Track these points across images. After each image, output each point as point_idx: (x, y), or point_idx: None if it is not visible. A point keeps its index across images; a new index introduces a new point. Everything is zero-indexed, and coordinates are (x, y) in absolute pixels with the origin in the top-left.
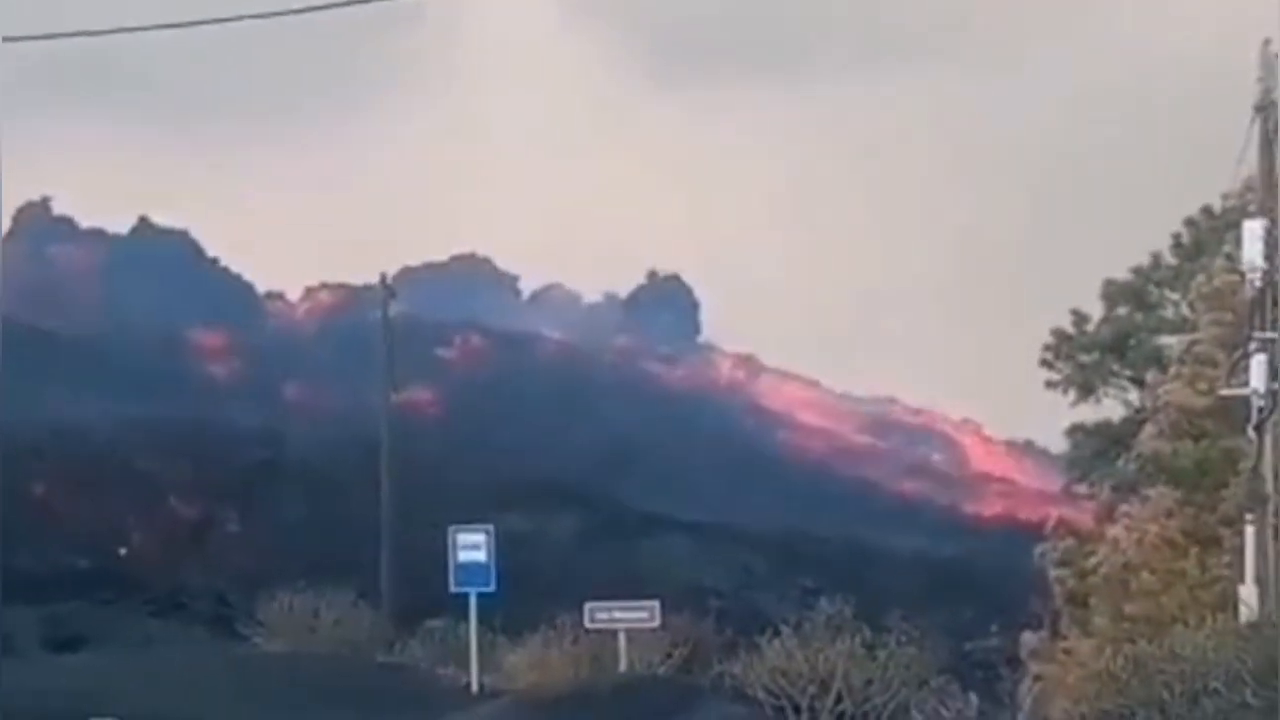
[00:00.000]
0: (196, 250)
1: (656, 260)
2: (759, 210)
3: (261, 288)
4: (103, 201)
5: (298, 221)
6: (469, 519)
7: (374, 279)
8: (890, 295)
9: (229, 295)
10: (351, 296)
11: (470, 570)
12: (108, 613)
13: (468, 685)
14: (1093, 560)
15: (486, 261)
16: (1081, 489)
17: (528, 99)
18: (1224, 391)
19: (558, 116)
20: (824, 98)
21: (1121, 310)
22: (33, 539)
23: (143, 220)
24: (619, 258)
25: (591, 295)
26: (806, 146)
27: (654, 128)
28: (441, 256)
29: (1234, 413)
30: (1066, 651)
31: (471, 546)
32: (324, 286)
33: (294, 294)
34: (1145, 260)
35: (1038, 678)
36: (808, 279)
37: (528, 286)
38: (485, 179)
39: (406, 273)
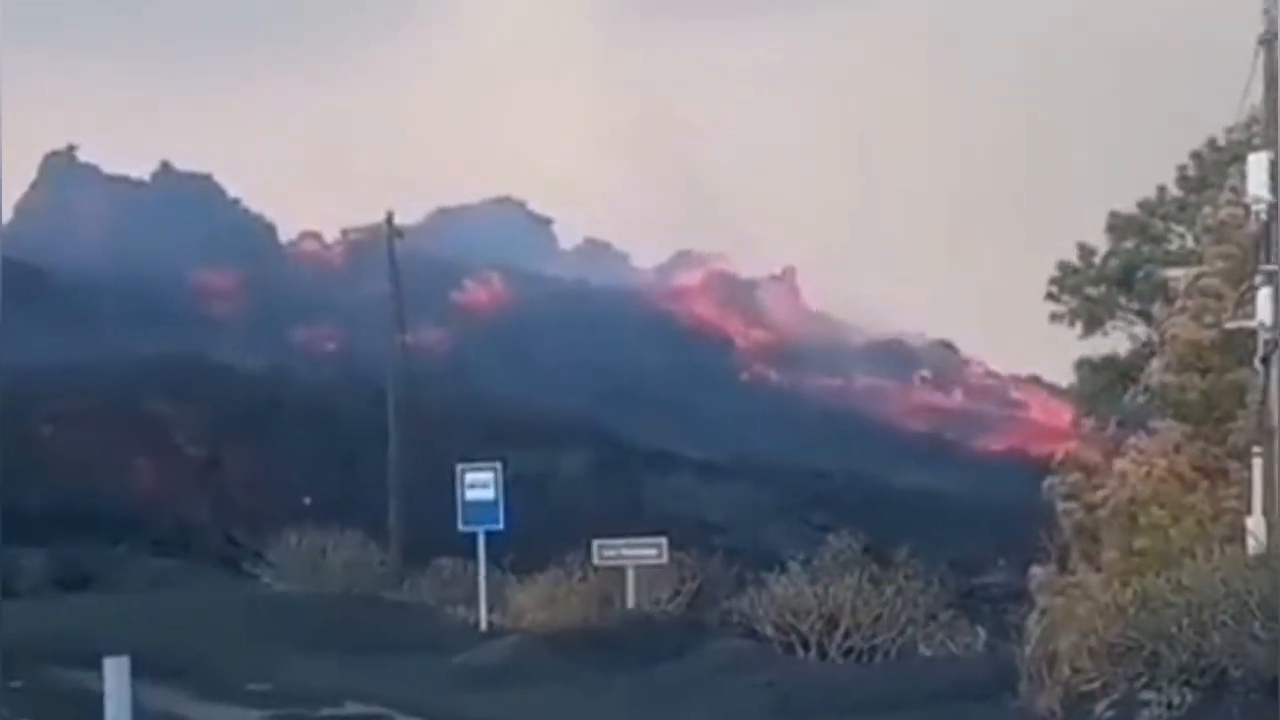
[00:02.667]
0: (219, 193)
1: (660, 196)
2: (761, 143)
3: (284, 229)
4: (124, 148)
5: (318, 161)
6: (477, 457)
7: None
8: (896, 231)
9: (250, 238)
10: (370, 237)
11: (478, 508)
12: (116, 553)
13: (476, 623)
14: (1100, 494)
15: (513, 202)
16: (1088, 423)
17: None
18: (1230, 325)
19: (568, 52)
20: (822, 26)
21: (1127, 243)
22: (43, 480)
23: (164, 165)
24: (622, 194)
25: (601, 233)
26: (809, 76)
27: (659, 58)
28: (472, 198)
29: (1241, 346)
30: (1074, 585)
31: (480, 485)
32: (349, 230)
33: (315, 235)
34: (1150, 193)
35: (1045, 611)
36: (812, 215)
37: (551, 229)
38: (497, 115)
39: (440, 213)
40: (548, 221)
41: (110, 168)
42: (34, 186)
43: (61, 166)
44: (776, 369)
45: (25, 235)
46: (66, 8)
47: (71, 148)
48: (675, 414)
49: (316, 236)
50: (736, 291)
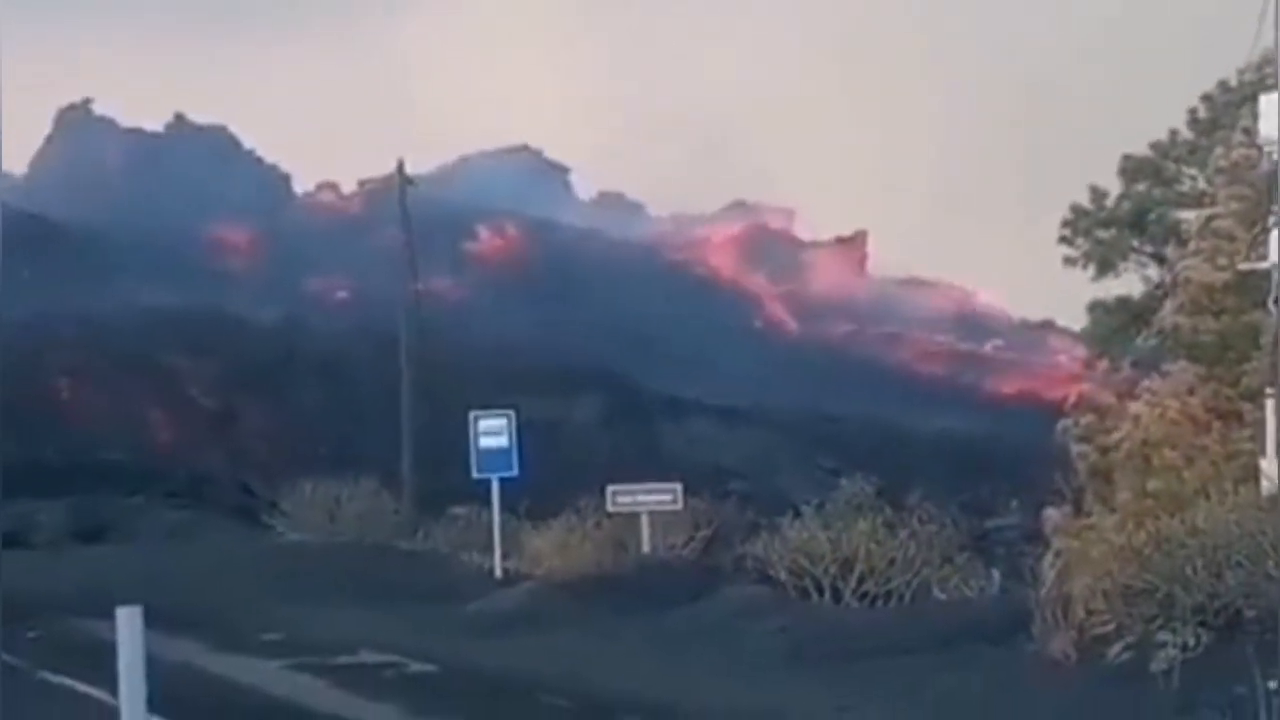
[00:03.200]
0: (234, 145)
1: (671, 146)
2: (777, 91)
3: (299, 181)
4: (139, 100)
5: (333, 112)
6: (491, 405)
7: (421, 169)
8: (908, 174)
9: (265, 189)
10: (384, 187)
11: (492, 456)
12: (133, 504)
13: (491, 570)
14: (1115, 436)
15: (530, 151)
16: (1102, 365)
17: None
18: (1243, 266)
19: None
20: None
21: (1139, 186)
22: (58, 431)
23: (179, 117)
24: (637, 145)
25: (616, 183)
26: (826, 21)
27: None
28: (487, 146)
29: (1254, 287)
30: (1089, 527)
31: (493, 432)
32: (364, 180)
33: (330, 185)
34: (1163, 136)
35: (1060, 553)
36: (822, 163)
37: (568, 178)
38: (513, 65)
39: (456, 162)
40: (564, 170)
41: (125, 120)
42: (49, 140)
43: (77, 120)
44: (792, 317)
45: (40, 188)
46: None
47: (87, 101)
48: (689, 361)
49: (332, 187)
50: (752, 240)
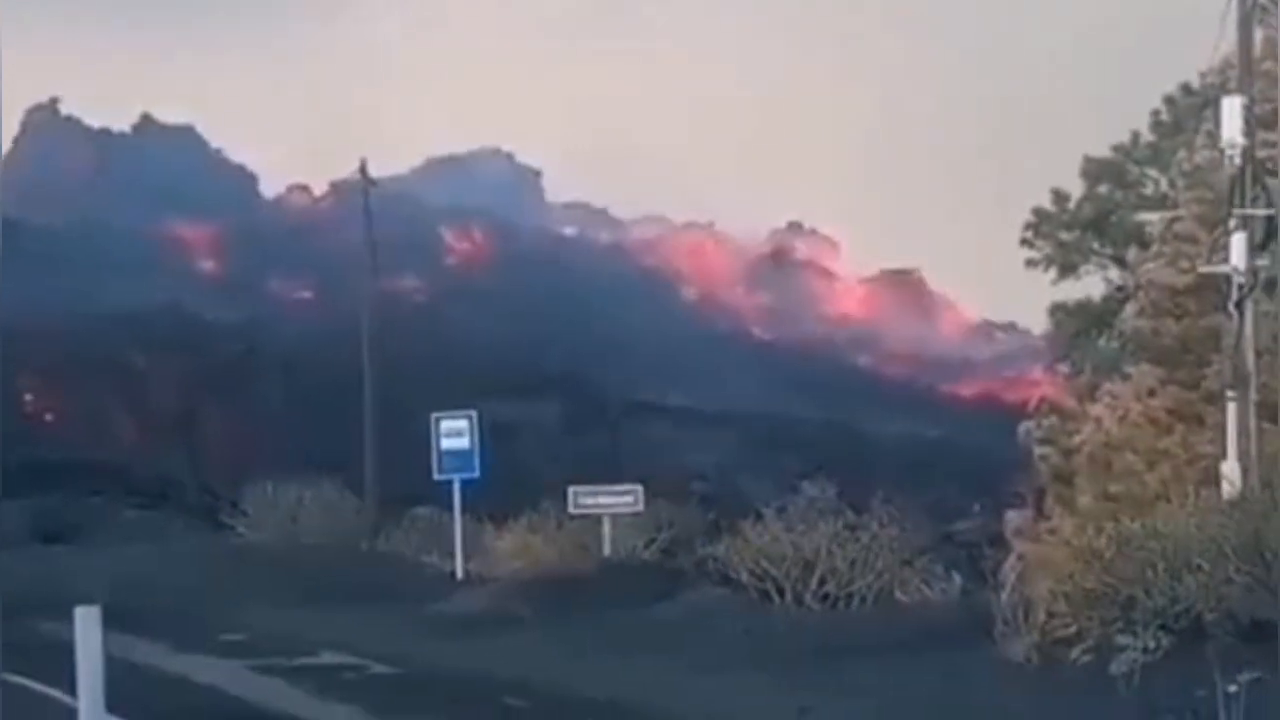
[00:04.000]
0: (200, 144)
1: (647, 147)
2: (738, 95)
3: (266, 180)
4: (107, 100)
5: (301, 111)
6: (452, 407)
7: (390, 171)
8: (870, 176)
9: (232, 188)
10: (352, 187)
11: (454, 457)
12: (93, 504)
13: (452, 572)
14: (1076, 439)
15: (501, 154)
16: (1063, 368)
17: None
18: (1205, 269)
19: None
20: None
21: (1102, 188)
22: (20, 433)
23: (145, 117)
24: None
25: (581, 187)
26: (789, 26)
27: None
28: (458, 148)
29: (1215, 290)
30: (1050, 530)
31: (455, 433)
32: (332, 181)
33: (298, 186)
34: (1125, 138)
35: (1021, 556)
36: (790, 162)
37: (535, 182)
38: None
39: (432, 165)
40: (536, 173)
41: (92, 120)
42: (15, 141)
43: (44, 120)
44: (756, 320)
45: (6, 190)
46: None
47: (54, 100)
48: (652, 364)
49: (300, 188)
50: (716, 245)
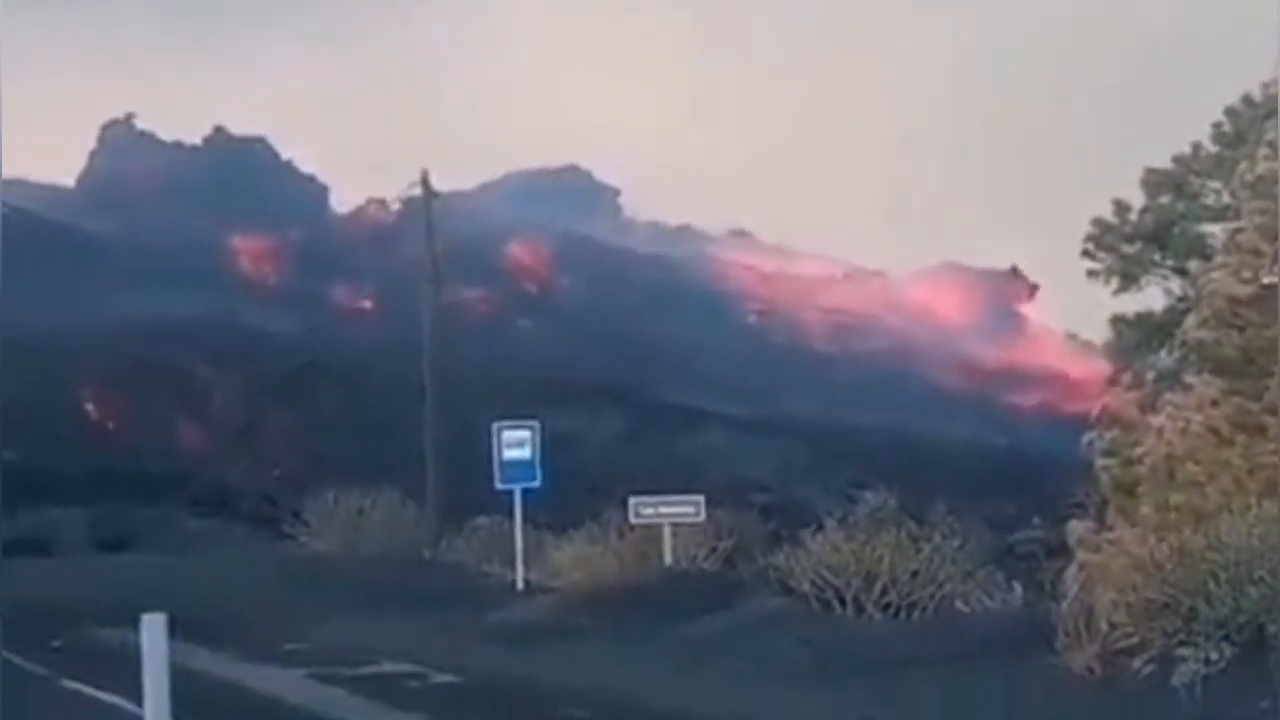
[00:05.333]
0: (272, 157)
1: (696, 159)
2: (794, 105)
3: (338, 192)
4: (181, 114)
5: (372, 124)
6: (514, 416)
7: (461, 185)
8: (929, 186)
9: (303, 201)
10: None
11: (515, 467)
12: (156, 514)
13: (513, 582)
14: (1138, 450)
15: (581, 172)
16: (1125, 379)
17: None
18: (1268, 280)
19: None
20: None
21: (1163, 199)
22: (82, 442)
23: (218, 129)
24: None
25: (638, 198)
26: (840, 33)
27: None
28: (534, 163)
29: (1278, 301)
30: (1112, 541)
31: (516, 443)
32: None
33: (372, 197)
34: (1186, 149)
35: (1083, 567)
36: (845, 170)
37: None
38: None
39: (509, 179)
40: (613, 191)
41: (166, 134)
42: (93, 155)
43: (119, 135)
44: (816, 329)
45: (82, 203)
46: None
47: (129, 116)
48: (712, 374)
49: (371, 200)
50: (777, 255)
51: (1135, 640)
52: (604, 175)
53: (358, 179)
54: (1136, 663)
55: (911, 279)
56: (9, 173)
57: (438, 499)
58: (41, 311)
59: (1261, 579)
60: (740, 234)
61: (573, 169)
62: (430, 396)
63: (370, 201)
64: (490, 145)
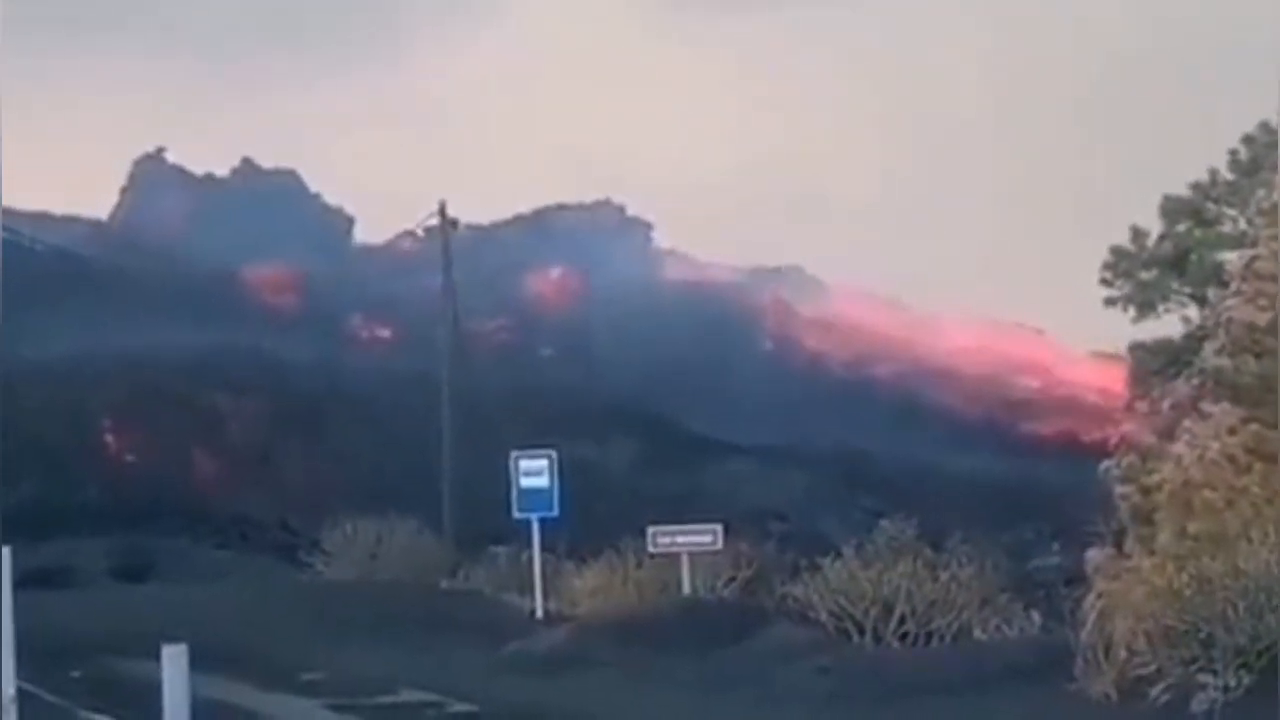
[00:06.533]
0: (301, 189)
1: (707, 185)
2: (814, 126)
3: (364, 223)
4: (210, 147)
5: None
6: (531, 445)
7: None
8: (948, 214)
9: (329, 232)
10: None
11: (533, 496)
12: (174, 544)
13: (531, 611)
14: (1156, 477)
15: (613, 206)
16: (1143, 406)
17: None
18: None
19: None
20: (870, 9)
21: (1180, 226)
22: (101, 473)
23: (246, 161)
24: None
25: (660, 228)
26: (865, 60)
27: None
28: (572, 198)
29: None
30: (1130, 569)
31: (534, 472)
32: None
33: (397, 227)
34: (1203, 176)
35: (1101, 594)
36: (864, 194)
37: (638, 231)
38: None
39: (543, 213)
40: (645, 225)
41: (197, 168)
42: (124, 190)
43: (150, 169)
44: (833, 357)
45: (113, 237)
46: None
47: (160, 150)
48: (729, 403)
49: (400, 232)
50: (797, 283)
51: (1153, 668)
52: (628, 205)
53: (387, 212)
54: (1155, 690)
55: (931, 307)
56: (41, 207)
57: (455, 528)
58: (61, 344)
59: (1279, 607)
60: (761, 263)
61: (601, 201)
62: (448, 426)
63: (396, 234)
64: (514, 175)
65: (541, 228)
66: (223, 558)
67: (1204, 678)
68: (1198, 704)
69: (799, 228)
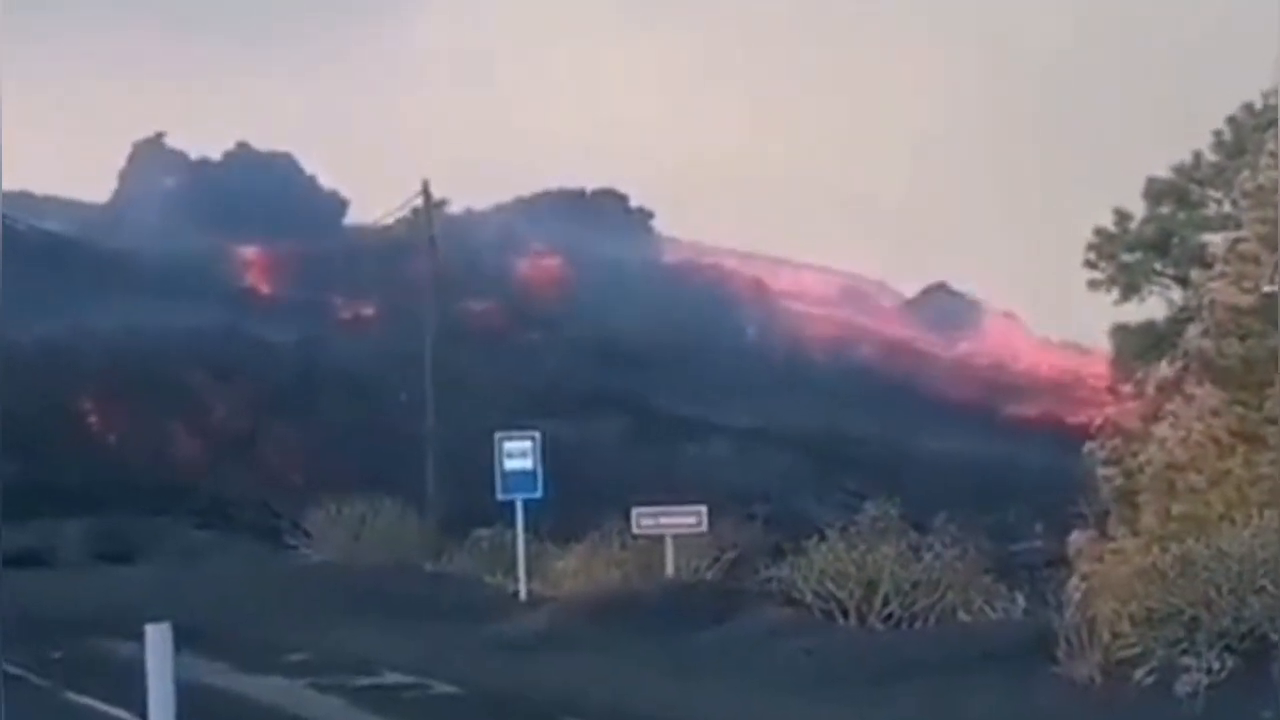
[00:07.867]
0: (296, 171)
1: (690, 163)
2: (794, 106)
3: (356, 206)
4: (210, 130)
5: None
6: (515, 427)
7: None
8: (933, 197)
9: (320, 214)
10: (434, 214)
11: (517, 477)
12: (156, 524)
13: (515, 592)
14: (1139, 459)
15: (616, 195)
16: (1127, 388)
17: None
18: (1268, 289)
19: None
20: None
21: (1164, 209)
22: (83, 454)
23: (241, 144)
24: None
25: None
26: (849, 46)
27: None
28: (542, 179)
29: (1278, 310)
30: (1113, 551)
31: (518, 454)
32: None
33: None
34: (1187, 158)
35: (1085, 577)
36: (845, 175)
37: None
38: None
39: (542, 198)
40: (615, 203)
41: (194, 152)
42: (122, 176)
43: (147, 153)
44: (816, 340)
45: (110, 220)
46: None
47: (159, 135)
48: (713, 384)
49: (385, 212)
50: (779, 266)
51: (1137, 650)
52: (604, 186)
53: (378, 193)
54: (1139, 672)
55: (913, 289)
56: (40, 189)
57: (439, 510)
58: (43, 325)
59: (1263, 588)
60: (742, 245)
61: (576, 183)
62: (432, 407)
63: (381, 214)
64: (494, 161)
65: (520, 208)
66: (205, 539)
67: (1188, 660)
68: (1182, 686)
69: (782, 214)
